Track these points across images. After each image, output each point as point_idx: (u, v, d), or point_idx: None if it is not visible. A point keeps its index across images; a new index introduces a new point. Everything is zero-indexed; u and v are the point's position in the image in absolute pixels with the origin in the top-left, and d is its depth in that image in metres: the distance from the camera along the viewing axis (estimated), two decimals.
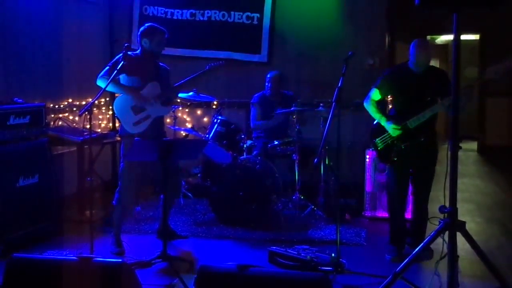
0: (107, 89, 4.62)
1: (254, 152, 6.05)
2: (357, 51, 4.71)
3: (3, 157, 4.76)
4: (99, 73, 4.75)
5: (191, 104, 7.26)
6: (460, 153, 3.51)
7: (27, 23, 5.86)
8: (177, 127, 6.45)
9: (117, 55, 4.80)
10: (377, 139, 4.78)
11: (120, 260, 3.15)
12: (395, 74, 4.78)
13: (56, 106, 6.32)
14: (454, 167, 3.44)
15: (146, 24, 4.93)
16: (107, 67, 4.77)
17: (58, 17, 6.35)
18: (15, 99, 5.21)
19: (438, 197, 4.15)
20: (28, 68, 5.84)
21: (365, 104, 4.85)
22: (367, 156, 5.95)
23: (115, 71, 4.53)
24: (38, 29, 6.04)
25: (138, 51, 4.90)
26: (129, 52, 4.74)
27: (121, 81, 4.81)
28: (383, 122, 4.68)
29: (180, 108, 7.14)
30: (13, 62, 5.63)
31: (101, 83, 4.73)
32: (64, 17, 6.47)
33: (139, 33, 4.89)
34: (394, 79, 4.74)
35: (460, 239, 3.47)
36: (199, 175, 6.50)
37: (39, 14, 6.05)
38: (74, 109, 6.59)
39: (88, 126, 4.48)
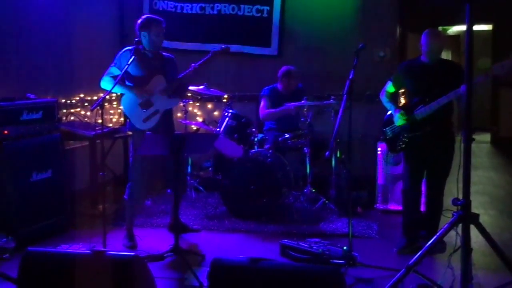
0: (110, 90, 4.61)
1: (266, 146, 6.05)
2: (368, 43, 4.70)
3: (16, 152, 4.80)
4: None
5: (201, 98, 7.26)
6: (473, 145, 3.49)
7: (39, 19, 5.89)
8: (188, 121, 6.46)
9: (118, 52, 4.81)
10: (387, 128, 4.80)
11: (133, 253, 3.17)
12: (408, 67, 4.78)
13: (68, 101, 6.35)
14: (467, 159, 3.42)
15: (142, 17, 4.91)
16: (111, 66, 4.77)
17: (69, 13, 6.38)
18: (28, 94, 5.24)
19: (451, 189, 4.13)
20: (40, 64, 5.88)
21: (380, 96, 4.89)
22: (379, 149, 5.93)
23: (126, 67, 4.53)
24: (50, 25, 6.07)
25: (139, 46, 4.85)
26: (129, 47, 4.75)
27: (126, 79, 4.80)
28: (392, 110, 4.70)
29: (191, 102, 7.15)
30: (25, 58, 5.66)
31: (104, 84, 4.75)
32: (75, 12, 6.48)
33: (136, 27, 4.85)
34: (407, 71, 4.74)
35: (473, 231, 3.46)
36: (210, 168, 6.52)
37: (50, 10, 6.07)
38: (86, 104, 6.62)
39: (100, 121, 4.50)
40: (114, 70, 4.77)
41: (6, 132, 4.73)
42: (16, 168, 4.79)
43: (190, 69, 4.89)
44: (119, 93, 7.09)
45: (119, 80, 4.56)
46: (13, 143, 4.79)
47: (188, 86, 5.29)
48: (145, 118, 4.79)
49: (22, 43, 5.63)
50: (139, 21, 4.86)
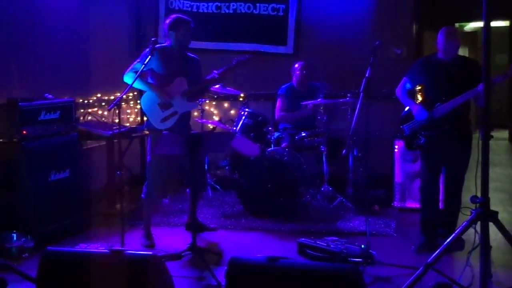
0: (134, 86, 4.64)
1: (282, 144, 6.04)
2: (384, 40, 4.68)
3: (35, 152, 4.84)
4: (127, 68, 4.79)
5: (218, 97, 7.26)
6: (491, 142, 3.45)
7: (57, 20, 5.93)
8: (204, 120, 6.46)
9: (145, 49, 4.83)
10: (404, 125, 4.76)
11: (150, 252, 3.18)
12: (425, 64, 4.75)
13: (85, 101, 6.39)
14: (486, 157, 3.39)
15: (172, 16, 4.93)
16: (136, 62, 4.79)
17: (85, 13, 6.41)
18: (46, 95, 5.28)
19: (469, 187, 4.10)
20: (57, 64, 5.91)
21: (396, 93, 4.85)
22: (396, 146, 5.90)
23: (142, 66, 4.55)
24: (67, 26, 6.11)
25: (166, 44, 4.91)
26: (157, 45, 4.77)
27: (150, 76, 4.82)
28: (412, 106, 4.66)
29: (207, 101, 7.15)
30: (43, 59, 5.70)
31: (127, 79, 4.77)
32: (91, 12, 6.52)
33: (165, 26, 4.89)
34: (423, 68, 4.71)
35: (492, 229, 3.42)
36: (227, 167, 6.53)
37: (67, 11, 6.11)
38: (103, 103, 6.66)
39: (117, 120, 4.52)
40: (139, 66, 4.75)
41: (24, 132, 4.77)
42: (34, 168, 4.82)
43: (212, 75, 4.92)
44: (136, 93, 7.17)
45: (140, 76, 4.60)
46: (31, 143, 4.82)
47: (207, 90, 5.29)
48: (163, 118, 4.81)
49: (40, 44, 5.67)
50: (167, 20, 4.88)
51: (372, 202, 5.73)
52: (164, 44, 4.91)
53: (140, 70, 4.55)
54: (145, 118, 5.60)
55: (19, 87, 5.31)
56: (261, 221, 5.47)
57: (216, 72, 4.91)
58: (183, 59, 4.92)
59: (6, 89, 5.13)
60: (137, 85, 4.74)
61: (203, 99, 6.56)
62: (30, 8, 5.55)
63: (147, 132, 5.04)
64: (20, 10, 5.41)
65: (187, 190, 5.13)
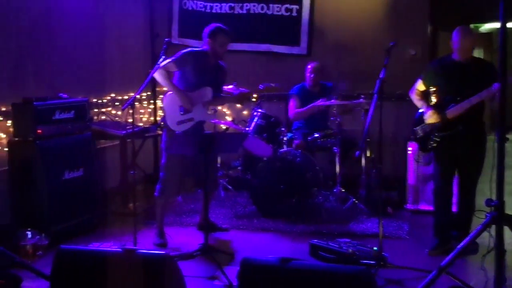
0: (160, 82, 4.64)
1: (294, 143, 6.03)
2: (398, 41, 4.65)
3: (49, 151, 4.87)
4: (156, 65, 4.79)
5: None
6: (506, 144, 3.42)
7: (71, 19, 5.96)
8: (217, 120, 6.46)
9: (183, 50, 4.85)
10: (417, 127, 4.74)
11: (163, 252, 3.19)
12: (439, 65, 4.72)
13: (99, 101, 6.42)
14: (501, 159, 3.36)
15: (212, 24, 4.95)
16: (170, 61, 4.74)
17: (100, 13, 6.45)
18: (60, 94, 5.32)
19: (484, 190, 4.07)
20: (72, 64, 5.95)
21: (410, 94, 4.83)
22: (409, 148, 5.86)
23: (166, 62, 4.56)
24: (82, 25, 6.14)
25: (204, 49, 4.93)
26: (192, 49, 4.81)
27: (179, 76, 4.85)
28: (423, 107, 4.64)
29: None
30: (57, 58, 5.73)
31: (159, 77, 4.78)
32: (106, 12, 6.55)
33: (204, 33, 4.91)
34: (438, 69, 4.68)
35: (507, 233, 3.39)
36: (239, 168, 6.53)
37: (82, 11, 6.14)
38: (117, 103, 6.68)
39: (130, 120, 4.54)
40: (171, 67, 4.79)
41: (39, 131, 4.80)
42: (48, 167, 4.85)
43: (234, 94, 5.09)
44: (149, 93, 7.20)
45: (168, 77, 4.71)
46: (46, 142, 4.86)
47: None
48: (179, 121, 4.83)
49: (54, 44, 5.70)
50: (207, 28, 4.90)
51: (385, 204, 5.70)
52: (200, 49, 4.92)
53: (164, 64, 4.55)
54: (161, 114, 5.60)
55: (34, 87, 5.35)
56: (273, 222, 5.47)
57: (241, 90, 5.12)
58: (216, 68, 4.95)
59: (21, 89, 5.17)
60: (164, 82, 4.77)
61: None
62: (46, 8, 5.59)
63: (160, 132, 5.06)
64: (36, 10, 5.44)
65: (199, 190, 5.14)
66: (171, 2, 7.43)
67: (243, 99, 5.14)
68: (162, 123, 5.03)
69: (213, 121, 6.34)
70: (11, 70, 5.17)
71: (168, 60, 4.69)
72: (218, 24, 4.97)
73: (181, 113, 4.82)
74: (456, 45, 4.53)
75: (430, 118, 4.59)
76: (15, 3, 5.17)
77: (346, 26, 6.92)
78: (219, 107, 7.11)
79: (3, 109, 5.02)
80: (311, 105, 6.06)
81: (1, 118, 5.01)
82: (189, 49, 4.93)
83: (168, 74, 4.81)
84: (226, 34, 4.89)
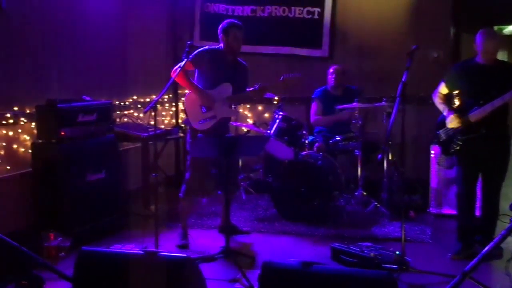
0: (179, 83, 4.66)
1: (315, 145, 6.00)
2: (421, 44, 4.61)
3: (72, 153, 4.91)
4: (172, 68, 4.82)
5: (252, 100, 7.27)
6: None
7: (95, 23, 6.02)
8: (238, 123, 6.48)
9: (198, 49, 4.86)
10: (440, 130, 4.69)
11: (184, 254, 3.19)
12: (462, 68, 4.67)
13: (122, 103, 6.47)
14: None
15: (226, 20, 4.96)
16: (186, 60, 4.74)
17: (123, 16, 6.50)
18: (83, 96, 5.36)
19: (508, 194, 4.02)
20: (95, 67, 6.00)
21: (433, 97, 4.78)
22: (432, 151, 5.80)
23: (184, 62, 4.57)
24: (105, 28, 6.20)
25: (219, 47, 4.93)
26: (207, 48, 4.83)
27: (197, 75, 4.86)
28: (445, 112, 4.59)
29: (242, 104, 7.16)
30: (82, 61, 5.79)
31: (178, 78, 4.79)
32: (129, 15, 6.61)
33: (218, 30, 4.92)
34: (461, 72, 4.63)
35: None
36: (260, 170, 6.52)
37: (105, 14, 6.20)
38: (139, 106, 6.73)
39: (152, 123, 4.56)
40: (188, 65, 4.78)
41: (63, 133, 4.84)
42: (71, 169, 4.89)
43: (255, 87, 4.96)
44: (171, 95, 7.23)
45: (186, 75, 4.69)
46: (69, 144, 4.90)
47: (251, 100, 5.30)
48: (202, 119, 4.83)
49: (78, 47, 5.76)
50: (220, 26, 4.91)
51: (407, 208, 5.64)
52: (216, 47, 4.94)
53: (182, 64, 4.56)
54: (183, 116, 5.60)
55: (58, 89, 5.40)
56: (294, 225, 5.44)
57: (260, 84, 4.95)
58: (233, 64, 4.94)
59: (45, 91, 5.22)
60: (183, 83, 4.80)
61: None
62: (70, 12, 5.65)
63: (181, 134, 5.07)
64: (60, 14, 5.50)
65: (219, 192, 5.15)
66: (193, 6, 7.46)
67: (264, 91, 5.04)
68: (184, 125, 5.04)
69: (234, 124, 6.36)
70: (36, 73, 5.22)
71: (185, 60, 4.70)
72: (230, 20, 4.97)
73: (203, 111, 4.83)
74: (480, 47, 4.47)
75: (452, 122, 4.54)
76: (40, 7, 5.23)
77: (368, 29, 6.87)
78: (241, 110, 7.11)
79: (27, 111, 5.07)
80: (333, 117, 6.06)
81: (26, 120, 5.07)
82: (205, 47, 4.94)
83: (188, 75, 4.82)
84: (238, 28, 4.87)
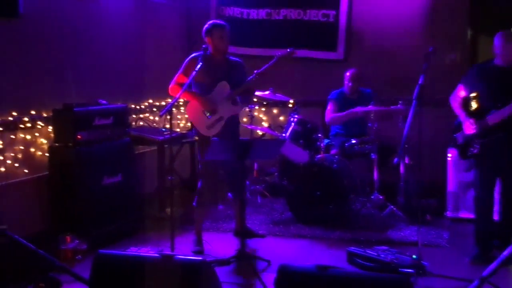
0: (177, 96, 4.62)
1: (332, 151, 5.99)
2: (438, 46, 4.58)
3: (89, 157, 4.94)
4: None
5: (267, 103, 7.28)
6: None
7: (110, 27, 6.07)
8: (253, 126, 6.48)
9: (185, 60, 4.85)
10: (458, 134, 4.65)
11: (200, 258, 3.20)
12: (480, 70, 4.63)
13: (137, 107, 6.50)
14: None
15: (208, 22, 4.92)
16: (178, 74, 4.82)
17: (138, 21, 6.54)
18: (100, 100, 5.40)
19: None
20: (111, 71, 6.04)
21: (450, 101, 4.75)
22: (449, 155, 5.76)
23: (189, 79, 4.54)
24: (120, 33, 6.25)
25: (207, 50, 4.85)
26: (194, 54, 4.80)
27: (193, 84, 4.82)
28: (462, 118, 4.55)
29: (257, 107, 7.17)
30: (98, 65, 5.83)
31: (173, 92, 4.81)
32: (144, 20, 6.65)
33: (202, 33, 4.88)
34: (479, 75, 4.59)
35: None
36: (276, 174, 6.51)
37: (121, 18, 6.24)
38: (154, 109, 6.76)
39: (168, 126, 4.57)
40: (181, 78, 4.81)
41: (79, 136, 4.88)
42: (88, 172, 4.92)
43: (253, 75, 4.85)
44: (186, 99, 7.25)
45: (186, 88, 4.60)
46: (85, 147, 4.93)
47: (254, 92, 5.22)
48: (209, 125, 4.80)
49: (94, 51, 5.80)
50: (204, 27, 4.88)
51: (423, 212, 5.60)
52: (202, 51, 4.90)
53: (188, 81, 4.53)
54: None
55: (74, 93, 5.45)
56: (310, 229, 5.43)
57: (257, 71, 4.85)
58: (224, 63, 4.87)
59: (62, 95, 5.27)
60: (182, 96, 4.70)
61: (252, 105, 6.58)
62: (87, 17, 5.70)
63: (197, 138, 5.07)
64: (76, 19, 5.55)
65: (229, 194, 5.14)
66: (209, 9, 7.48)
67: (262, 75, 4.84)
68: (195, 137, 5.01)
69: (249, 127, 6.37)
70: (53, 77, 5.27)
71: (177, 74, 4.75)
72: (211, 21, 4.93)
73: (209, 117, 4.80)
74: (498, 50, 4.44)
75: (469, 129, 4.50)
76: (57, 12, 5.28)
77: (383, 31, 6.85)
78: (256, 113, 7.11)
79: (45, 115, 5.12)
80: (349, 111, 6.00)
81: (43, 124, 5.11)
82: (192, 54, 4.87)
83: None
84: (221, 27, 4.82)
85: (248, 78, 4.87)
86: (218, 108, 4.79)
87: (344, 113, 6.07)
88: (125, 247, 4.79)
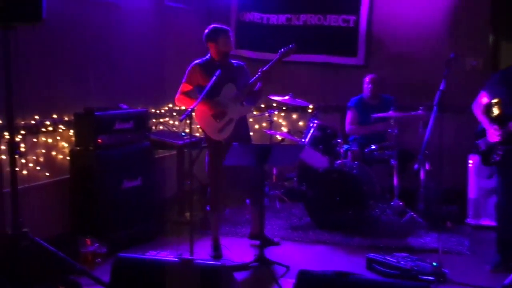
0: (184, 106, 4.62)
1: (349, 154, 5.96)
2: (459, 52, 4.54)
3: (109, 160, 4.98)
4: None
5: (287, 108, 7.28)
6: None
7: (131, 31, 6.12)
8: (273, 131, 6.47)
9: (187, 68, 4.85)
10: (480, 140, 4.60)
11: (219, 263, 3.20)
12: (504, 76, 4.57)
13: (157, 111, 6.54)
14: None
15: (208, 27, 4.90)
16: (182, 83, 4.82)
17: (158, 25, 6.59)
18: (120, 105, 5.44)
19: None
20: (131, 76, 6.09)
21: (473, 108, 4.70)
22: (470, 161, 5.69)
23: (206, 89, 4.50)
24: (141, 37, 6.29)
25: (207, 56, 4.89)
26: (197, 61, 4.81)
27: (197, 92, 4.79)
28: (485, 125, 4.50)
29: (276, 112, 7.17)
30: (118, 70, 5.88)
31: (180, 103, 4.85)
32: (164, 24, 6.69)
33: (203, 37, 4.87)
34: (502, 81, 4.53)
35: None
36: (295, 179, 6.50)
37: (142, 23, 6.29)
38: (174, 113, 6.79)
39: (187, 130, 4.59)
40: (185, 87, 4.82)
41: (100, 140, 4.92)
42: (108, 176, 4.96)
43: (258, 74, 4.81)
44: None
45: (187, 95, 4.65)
46: (106, 151, 4.97)
47: (261, 91, 5.17)
48: (219, 128, 4.78)
49: (115, 56, 5.85)
50: (206, 31, 4.87)
51: (444, 218, 5.55)
52: (204, 58, 4.89)
53: (205, 90, 4.49)
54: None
55: (95, 97, 5.50)
56: (329, 234, 5.41)
57: (261, 69, 4.82)
58: (226, 67, 4.81)
59: (83, 99, 5.32)
60: (187, 104, 4.72)
61: (272, 110, 6.58)
62: (107, 21, 5.76)
63: (206, 145, 5.04)
64: (98, 23, 5.61)
65: (247, 201, 5.13)
66: (229, 15, 7.50)
67: (268, 73, 4.80)
68: (205, 143, 4.99)
69: (268, 132, 6.36)
70: (74, 81, 5.33)
71: (181, 85, 4.76)
72: (213, 25, 4.90)
73: (217, 120, 4.77)
74: None
75: (493, 136, 4.44)
76: (79, 16, 5.34)
77: (404, 36, 6.80)
78: (275, 118, 7.11)
79: (66, 118, 5.17)
80: (369, 127, 6.02)
81: (64, 128, 5.17)
82: (193, 62, 4.86)
83: (189, 95, 4.81)
84: (225, 31, 4.82)
85: (253, 78, 4.85)
86: (227, 110, 4.78)
87: (365, 128, 6.08)
88: (145, 251, 4.80)
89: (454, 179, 5.99)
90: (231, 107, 4.79)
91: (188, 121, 4.47)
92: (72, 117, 5.08)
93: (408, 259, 4.37)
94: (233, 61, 4.97)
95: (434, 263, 4.15)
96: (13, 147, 4.07)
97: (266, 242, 5.08)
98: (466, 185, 5.74)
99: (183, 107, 6.79)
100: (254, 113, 5.97)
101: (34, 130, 4.90)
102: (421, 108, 5.77)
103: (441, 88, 4.19)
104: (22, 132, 4.73)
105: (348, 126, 6.29)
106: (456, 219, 5.73)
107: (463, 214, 5.77)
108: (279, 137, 6.61)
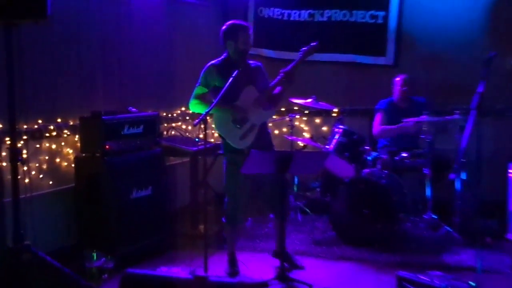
0: (200, 111, 4.59)
1: (378, 163, 5.93)
2: (498, 51, 4.50)
3: (117, 168, 5.00)
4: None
5: (309, 112, 7.25)
6: None
7: (141, 33, 6.15)
8: (294, 137, 6.45)
9: (202, 70, 4.83)
10: None
11: (236, 280, 3.19)
12: None
13: (169, 115, 6.56)
14: None
15: (226, 24, 4.86)
16: (196, 86, 4.80)
17: (170, 23, 6.62)
18: (129, 108, 5.46)
19: None
20: (141, 77, 6.13)
21: None
22: (511, 170, 5.63)
23: (222, 91, 4.44)
24: (151, 39, 6.33)
25: (223, 56, 4.86)
26: (212, 62, 4.79)
27: (213, 95, 4.74)
28: None
29: (298, 117, 7.15)
30: (127, 72, 5.92)
31: (194, 107, 4.81)
32: (177, 21, 6.72)
33: (221, 35, 4.84)
34: None
35: None
36: (318, 189, 6.48)
37: (152, 24, 6.33)
38: (187, 118, 6.81)
39: (201, 136, 4.59)
40: (200, 90, 4.79)
41: (107, 146, 4.93)
42: (116, 185, 4.97)
43: (280, 75, 4.77)
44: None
45: (202, 100, 4.64)
46: (114, 158, 4.99)
47: (283, 94, 5.13)
48: (242, 135, 4.73)
49: (124, 58, 5.89)
50: (223, 27, 4.84)
51: (483, 233, 5.49)
52: (220, 58, 4.86)
53: (221, 93, 4.43)
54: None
55: (103, 100, 5.53)
56: (355, 250, 5.38)
57: (283, 70, 4.77)
58: (245, 67, 4.75)
59: (89, 102, 5.36)
60: (204, 109, 4.61)
61: (293, 114, 6.56)
62: (115, 19, 5.80)
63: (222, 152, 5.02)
64: (106, 25, 5.65)
65: (271, 215, 5.10)
66: (246, 11, 7.52)
67: (291, 75, 4.74)
68: (223, 151, 4.95)
69: (289, 138, 6.35)
70: (80, 83, 5.37)
71: (195, 88, 4.74)
72: (232, 22, 4.86)
73: (238, 126, 4.72)
74: None
75: None
76: (87, 14, 5.38)
77: (438, 34, 6.77)
78: (296, 123, 7.09)
79: (71, 123, 5.21)
80: (401, 124, 5.95)
81: (69, 133, 5.20)
82: (208, 64, 4.84)
83: (206, 99, 4.77)
84: (245, 28, 4.77)
85: (275, 80, 4.80)
86: (249, 115, 4.74)
87: (396, 126, 6.01)
88: (155, 266, 4.80)
89: (494, 190, 5.93)
90: (252, 112, 4.75)
91: (202, 126, 4.46)
92: (78, 122, 5.11)
93: (443, 278, 4.31)
94: (250, 61, 4.94)
95: (472, 283, 4.10)
96: (15, 153, 4.09)
97: (289, 263, 5.01)
98: (506, 196, 5.68)
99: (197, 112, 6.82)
100: (274, 117, 5.97)
101: (37, 135, 4.93)
102: (457, 112, 5.72)
103: (479, 90, 4.15)
104: (25, 137, 4.75)
105: (375, 127, 6.24)
106: (496, 234, 5.66)
107: (503, 228, 5.71)
108: (300, 144, 6.60)
